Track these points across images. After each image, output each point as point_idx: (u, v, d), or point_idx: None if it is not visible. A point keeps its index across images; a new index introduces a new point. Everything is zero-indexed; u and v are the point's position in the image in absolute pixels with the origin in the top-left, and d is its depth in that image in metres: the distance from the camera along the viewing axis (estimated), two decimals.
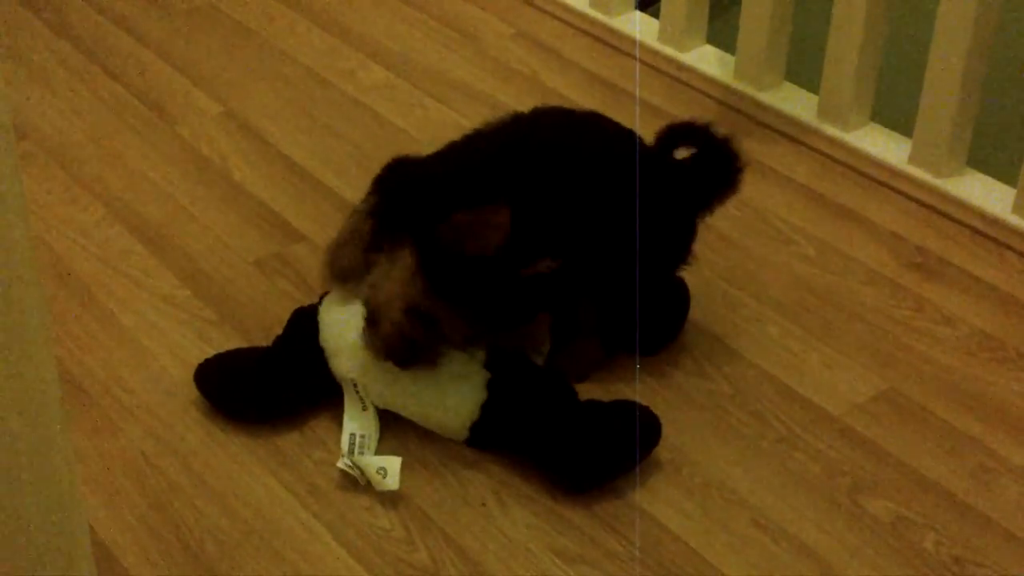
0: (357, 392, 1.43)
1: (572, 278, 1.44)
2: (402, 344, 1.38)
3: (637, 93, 2.09)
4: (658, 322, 1.56)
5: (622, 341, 1.53)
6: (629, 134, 1.53)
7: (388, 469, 1.36)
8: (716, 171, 1.53)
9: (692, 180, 1.52)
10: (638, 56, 2.16)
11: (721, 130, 1.54)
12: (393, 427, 1.44)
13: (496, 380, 1.42)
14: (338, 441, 1.42)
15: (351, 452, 1.40)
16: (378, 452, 1.42)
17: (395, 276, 1.38)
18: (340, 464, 1.38)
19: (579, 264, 1.44)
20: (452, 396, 1.41)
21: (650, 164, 1.49)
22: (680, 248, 1.53)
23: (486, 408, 1.41)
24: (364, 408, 1.43)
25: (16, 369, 0.81)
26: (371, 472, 1.36)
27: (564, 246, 1.41)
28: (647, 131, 2.00)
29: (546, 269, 1.37)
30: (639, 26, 2.21)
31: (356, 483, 1.38)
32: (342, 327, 1.44)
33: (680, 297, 1.58)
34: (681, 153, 1.54)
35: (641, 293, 1.47)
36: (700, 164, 1.53)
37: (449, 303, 1.36)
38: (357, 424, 1.42)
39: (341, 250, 1.47)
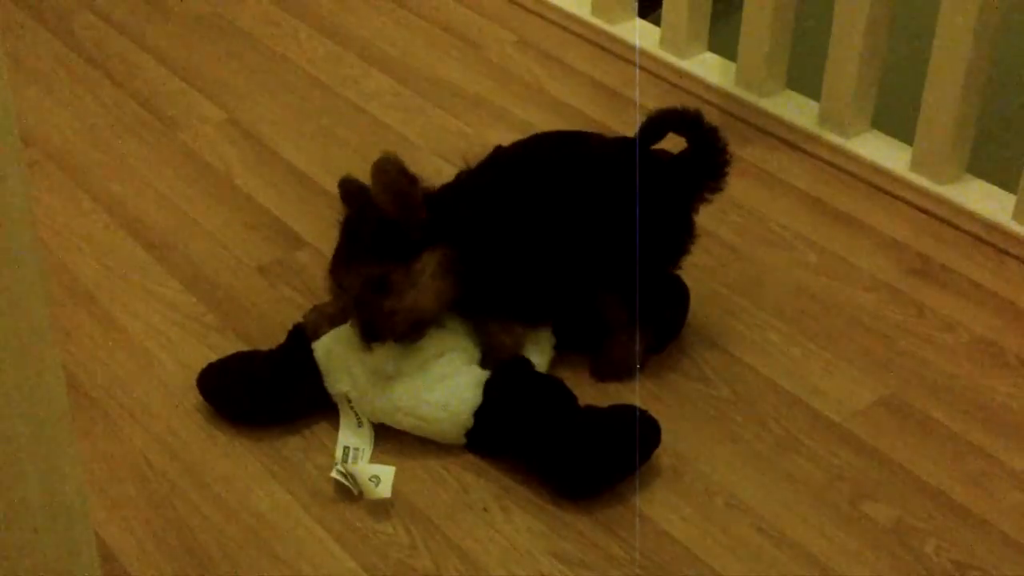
0: (352, 408, 1.44)
1: (567, 275, 1.48)
2: (364, 313, 1.40)
3: (637, 98, 2.10)
4: (661, 318, 1.57)
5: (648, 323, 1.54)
6: (621, 139, 1.55)
7: (381, 477, 1.36)
8: (706, 160, 1.53)
9: (683, 171, 1.53)
10: (638, 63, 2.17)
11: (708, 120, 1.54)
12: (393, 432, 1.45)
13: (490, 385, 1.42)
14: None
15: (344, 461, 1.40)
16: (378, 459, 1.42)
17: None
18: (333, 473, 1.38)
19: (579, 261, 1.47)
20: (446, 404, 1.42)
21: (639, 158, 1.50)
22: (678, 236, 1.54)
23: (480, 414, 1.42)
24: (359, 424, 1.44)
25: (23, 376, 0.81)
26: (364, 479, 1.36)
27: (564, 242, 1.46)
28: None
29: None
30: (639, 32, 2.21)
31: None
32: (334, 344, 1.45)
33: (680, 294, 1.59)
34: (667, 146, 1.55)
35: (646, 286, 1.48)
36: (690, 155, 1.54)
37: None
38: (350, 438, 1.43)
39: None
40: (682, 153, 1.54)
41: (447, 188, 1.48)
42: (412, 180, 1.38)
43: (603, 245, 1.48)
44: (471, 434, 1.42)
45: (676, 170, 1.52)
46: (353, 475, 1.37)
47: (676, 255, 1.55)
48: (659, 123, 1.51)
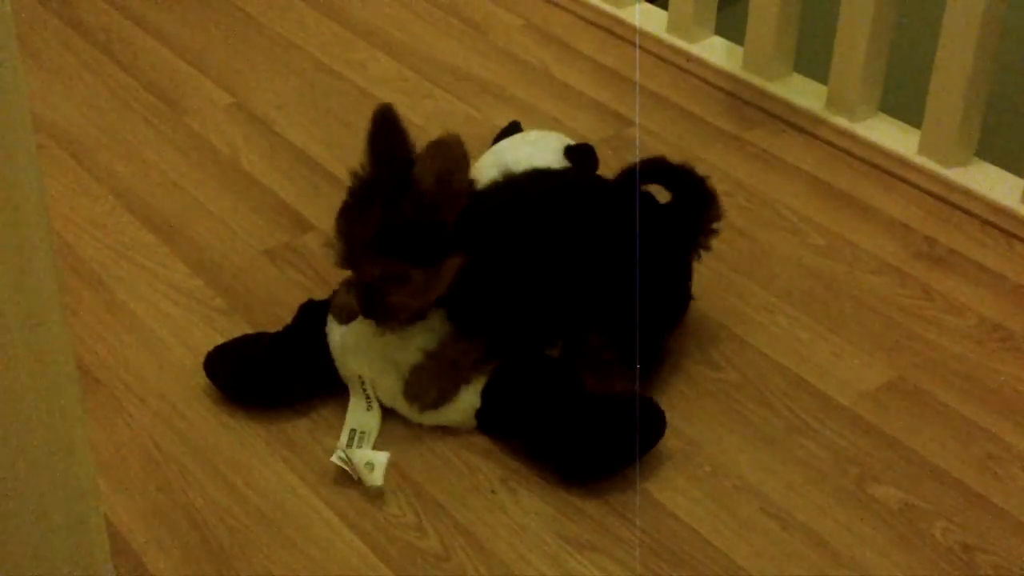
0: (364, 390, 1.44)
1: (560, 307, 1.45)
2: (370, 298, 1.37)
3: (637, 80, 2.10)
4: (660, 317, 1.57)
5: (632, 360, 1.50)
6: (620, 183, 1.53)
7: (375, 464, 1.36)
8: (695, 212, 1.53)
9: (681, 219, 1.52)
10: (638, 44, 2.17)
11: (697, 172, 1.53)
12: (402, 415, 1.45)
13: (497, 367, 1.42)
14: None
15: (348, 445, 1.40)
16: (385, 441, 1.42)
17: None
18: (334, 458, 1.38)
19: (580, 291, 1.44)
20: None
21: (613, 198, 1.50)
22: (674, 285, 1.52)
23: (486, 393, 1.41)
24: (368, 408, 1.43)
25: (36, 361, 0.81)
26: (360, 465, 1.36)
27: (569, 271, 1.43)
28: (653, 121, 2.00)
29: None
30: (647, 16, 2.21)
31: None
32: (351, 327, 1.45)
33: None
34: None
35: (646, 334, 1.44)
36: (679, 205, 1.53)
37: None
38: (358, 420, 1.43)
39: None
40: (672, 201, 1.53)
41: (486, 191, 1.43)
42: (467, 172, 1.34)
43: (603, 282, 1.45)
44: (480, 414, 1.42)
45: (675, 217, 1.52)
46: (351, 461, 1.37)
47: (677, 299, 1.53)
48: (651, 172, 1.51)
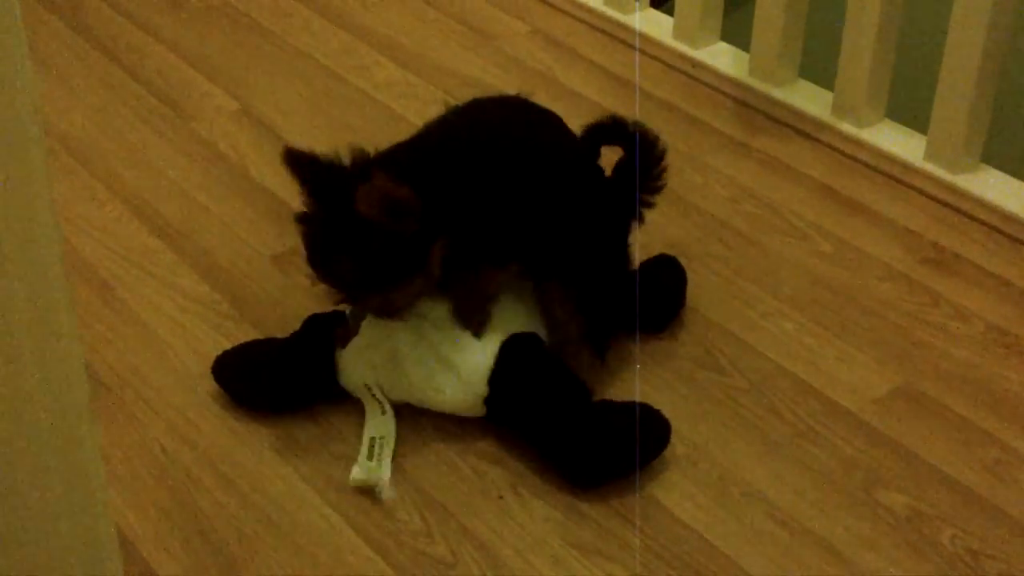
0: (374, 396, 1.44)
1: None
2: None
3: (637, 82, 2.10)
4: (655, 303, 1.58)
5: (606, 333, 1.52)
6: (558, 126, 1.52)
7: (383, 489, 1.38)
8: (640, 168, 1.53)
9: (624, 182, 1.53)
10: (638, 47, 2.17)
11: (648, 130, 1.54)
12: (409, 421, 1.45)
13: (502, 351, 1.42)
14: (356, 433, 1.43)
15: (369, 457, 1.40)
16: (397, 447, 1.43)
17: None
18: (352, 479, 1.38)
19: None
20: (459, 372, 1.42)
21: (577, 161, 1.50)
22: (612, 247, 1.52)
23: (494, 381, 1.42)
24: (383, 412, 1.44)
25: (45, 367, 0.81)
26: (386, 477, 1.37)
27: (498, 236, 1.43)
28: (659, 127, 2.00)
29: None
30: (653, 22, 2.21)
31: None
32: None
33: (676, 274, 1.60)
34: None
35: (599, 283, 1.48)
36: (626, 167, 1.54)
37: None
38: (376, 427, 1.43)
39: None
40: (619, 163, 1.54)
41: (404, 153, 1.42)
42: (405, 193, 1.31)
43: (549, 235, 1.45)
44: (489, 401, 1.42)
45: (617, 179, 1.53)
46: (378, 470, 1.37)
47: (616, 259, 1.53)
48: (598, 134, 1.52)
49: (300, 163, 1.36)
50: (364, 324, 1.46)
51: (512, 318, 1.46)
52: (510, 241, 1.45)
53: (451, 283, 1.43)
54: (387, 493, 1.37)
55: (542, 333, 1.48)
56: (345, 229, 1.34)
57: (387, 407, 1.43)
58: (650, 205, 1.55)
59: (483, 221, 1.41)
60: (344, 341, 1.46)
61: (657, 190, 1.55)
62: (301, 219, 1.39)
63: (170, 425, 1.47)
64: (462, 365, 1.42)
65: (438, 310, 1.44)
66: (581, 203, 1.47)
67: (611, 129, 1.53)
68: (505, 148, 1.46)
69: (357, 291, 1.40)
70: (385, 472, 1.37)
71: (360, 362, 1.45)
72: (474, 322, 1.44)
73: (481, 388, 1.42)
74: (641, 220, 1.54)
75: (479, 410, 1.44)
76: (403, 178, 1.33)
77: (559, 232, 1.45)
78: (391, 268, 1.36)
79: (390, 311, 1.42)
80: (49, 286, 0.80)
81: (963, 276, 1.71)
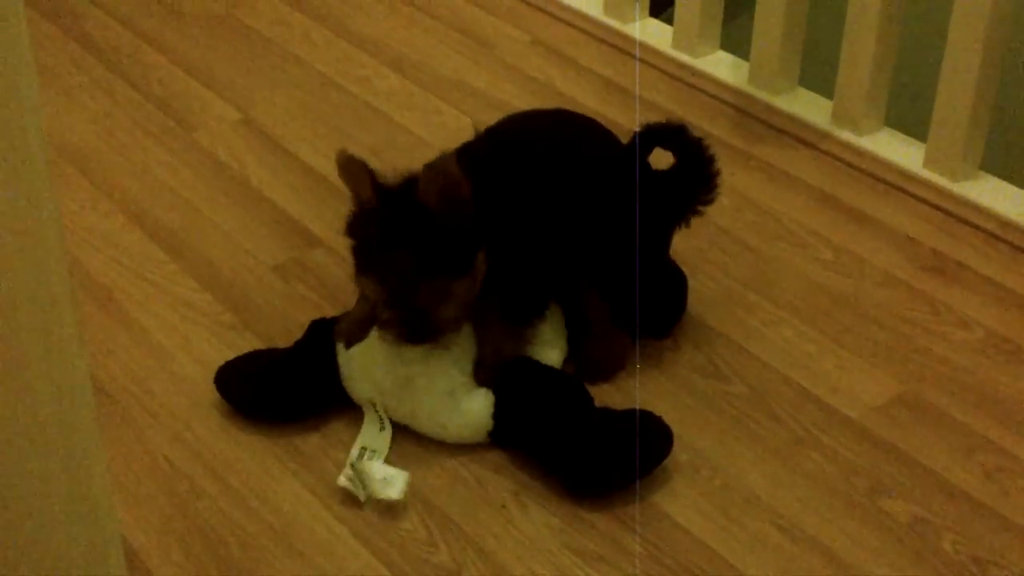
0: (377, 412, 1.44)
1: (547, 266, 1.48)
2: (418, 320, 1.38)
3: (637, 91, 2.11)
4: (658, 305, 1.58)
5: (629, 324, 1.55)
6: (608, 138, 1.56)
7: (395, 479, 1.36)
8: (694, 176, 1.55)
9: (675, 185, 1.55)
10: (638, 55, 2.18)
11: (695, 133, 1.56)
12: (413, 429, 1.45)
13: (506, 383, 1.43)
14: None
15: (360, 459, 1.40)
16: (395, 454, 1.43)
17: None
18: (342, 480, 1.38)
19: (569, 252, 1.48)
20: (465, 410, 1.42)
21: (622, 165, 1.52)
22: (655, 240, 1.55)
23: (498, 414, 1.42)
24: (382, 429, 1.44)
25: (51, 376, 0.82)
26: (376, 479, 1.36)
27: (562, 233, 1.46)
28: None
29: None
30: (651, 31, 2.22)
31: None
32: (357, 350, 1.46)
33: (678, 280, 1.61)
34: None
35: (630, 279, 1.49)
36: (678, 171, 1.55)
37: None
38: (370, 440, 1.43)
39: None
40: (672, 168, 1.55)
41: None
42: (465, 183, 1.34)
43: (590, 240, 1.48)
44: (493, 433, 1.43)
45: (668, 183, 1.54)
46: (365, 474, 1.37)
47: (658, 251, 1.56)
48: (651, 136, 1.53)
49: (354, 166, 1.38)
50: (377, 344, 1.44)
51: None
52: (550, 251, 1.46)
53: (480, 315, 1.44)
54: (384, 495, 1.36)
55: (554, 347, 1.50)
56: (404, 220, 1.35)
57: (387, 425, 1.44)
58: (700, 213, 1.57)
59: (525, 229, 1.44)
60: (348, 340, 1.46)
61: (709, 202, 1.57)
62: (353, 222, 1.39)
63: (173, 435, 1.47)
64: (470, 405, 1.43)
65: (461, 345, 1.45)
66: (622, 211, 1.48)
67: (666, 133, 1.54)
68: (549, 160, 1.48)
69: (413, 281, 1.36)
70: (375, 474, 1.37)
71: (367, 380, 1.45)
72: (491, 378, 1.44)
73: (486, 424, 1.43)
74: (688, 224, 1.57)
75: (483, 440, 1.44)
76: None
77: (601, 239, 1.48)
78: (448, 258, 1.35)
79: (433, 319, 1.39)
80: (54, 297, 0.80)
81: (963, 283, 1.71)
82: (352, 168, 1.38)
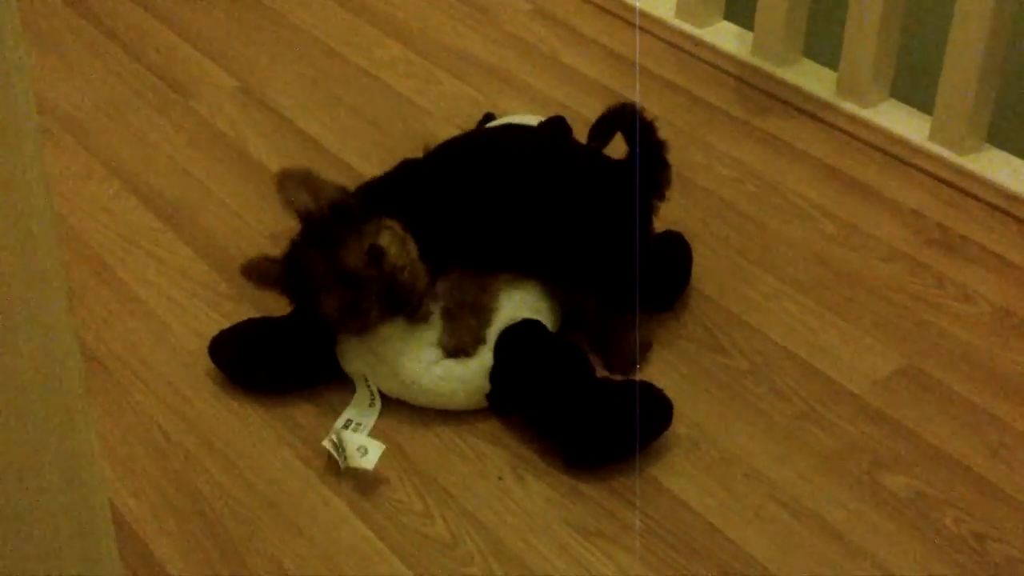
0: (368, 387, 1.43)
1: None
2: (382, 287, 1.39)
3: (637, 61, 2.08)
4: (659, 280, 1.56)
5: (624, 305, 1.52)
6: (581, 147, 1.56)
7: (369, 449, 1.35)
8: (648, 163, 1.52)
9: (630, 176, 1.52)
10: (637, 25, 2.15)
11: (647, 117, 1.53)
12: (408, 403, 1.44)
13: (501, 345, 1.42)
14: None
15: (344, 428, 1.40)
16: (391, 427, 1.42)
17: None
18: (325, 442, 1.37)
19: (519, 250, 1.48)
20: (458, 375, 1.41)
21: (582, 158, 1.52)
22: (619, 231, 1.51)
23: (495, 376, 1.41)
24: (371, 404, 1.43)
25: (38, 344, 0.81)
26: (351, 449, 1.35)
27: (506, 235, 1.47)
28: (662, 106, 1.99)
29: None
30: (656, 1, 2.19)
31: None
32: None
33: (682, 250, 1.60)
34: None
35: (617, 278, 1.48)
36: (633, 157, 1.53)
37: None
38: (358, 413, 1.42)
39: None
40: (627, 157, 1.53)
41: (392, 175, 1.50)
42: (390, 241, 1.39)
43: (572, 249, 1.48)
44: (492, 396, 1.42)
45: (622, 175, 1.51)
46: (344, 442, 1.35)
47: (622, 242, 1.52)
48: (606, 124, 1.52)
49: (293, 204, 1.42)
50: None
51: (507, 309, 1.45)
52: (515, 249, 1.47)
53: (447, 294, 1.44)
54: (359, 464, 1.35)
55: (542, 316, 1.47)
56: (334, 273, 1.38)
57: (377, 402, 1.43)
58: (662, 198, 1.54)
59: (486, 231, 1.45)
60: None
61: (664, 191, 1.55)
62: (291, 254, 1.43)
63: (168, 405, 1.46)
64: (461, 369, 1.41)
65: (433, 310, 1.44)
66: (583, 206, 1.47)
67: (613, 119, 1.52)
68: (499, 163, 1.50)
69: (338, 325, 1.41)
70: (351, 443, 1.36)
71: (359, 354, 1.44)
72: (470, 347, 1.43)
73: (483, 385, 1.41)
74: (655, 212, 1.54)
75: (481, 404, 1.43)
76: (396, 203, 1.42)
77: (566, 237, 1.47)
78: (375, 308, 1.39)
79: (395, 280, 1.40)
80: (43, 267, 0.79)
81: (968, 257, 1.69)
82: (289, 204, 1.42)
